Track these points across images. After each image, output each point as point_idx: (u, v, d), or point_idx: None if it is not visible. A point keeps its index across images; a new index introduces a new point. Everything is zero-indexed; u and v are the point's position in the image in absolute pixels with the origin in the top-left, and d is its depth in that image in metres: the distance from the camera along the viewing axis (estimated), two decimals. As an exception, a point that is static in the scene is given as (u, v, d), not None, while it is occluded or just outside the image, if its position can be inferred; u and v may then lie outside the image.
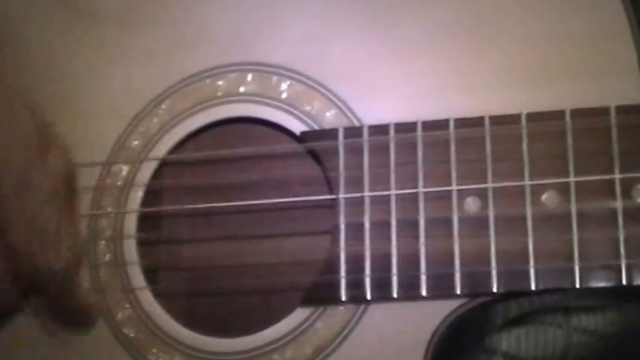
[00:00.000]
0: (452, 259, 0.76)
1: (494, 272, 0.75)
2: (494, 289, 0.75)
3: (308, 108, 0.82)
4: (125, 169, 0.86)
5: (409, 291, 0.77)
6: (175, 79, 0.85)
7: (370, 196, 0.79)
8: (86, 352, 0.85)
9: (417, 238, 0.77)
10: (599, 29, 0.77)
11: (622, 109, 0.74)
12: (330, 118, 0.82)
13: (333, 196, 0.80)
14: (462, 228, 0.76)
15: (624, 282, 0.73)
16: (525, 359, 0.84)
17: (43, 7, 0.89)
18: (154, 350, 0.84)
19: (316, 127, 0.82)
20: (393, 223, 0.78)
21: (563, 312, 0.84)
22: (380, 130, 0.79)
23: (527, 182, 0.75)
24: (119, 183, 0.86)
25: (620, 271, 0.73)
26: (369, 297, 0.78)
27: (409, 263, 0.77)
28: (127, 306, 0.85)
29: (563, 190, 0.75)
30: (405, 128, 0.79)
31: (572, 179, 0.75)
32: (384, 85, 0.81)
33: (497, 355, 0.84)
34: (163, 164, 0.87)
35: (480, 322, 0.81)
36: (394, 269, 0.77)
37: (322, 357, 0.80)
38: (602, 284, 0.74)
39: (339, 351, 0.79)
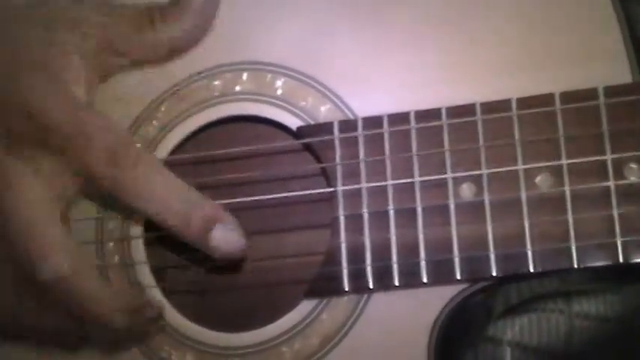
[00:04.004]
0: (450, 246, 0.77)
1: (492, 256, 0.76)
2: (494, 273, 0.76)
3: (303, 103, 0.84)
4: None
5: (410, 278, 0.78)
6: (172, 81, 0.86)
7: (367, 188, 0.80)
8: (98, 353, 0.86)
9: (415, 226, 0.78)
10: (585, 14, 0.78)
11: (610, 90, 0.75)
12: (324, 112, 0.83)
13: (332, 189, 0.81)
14: (458, 214, 0.77)
15: (621, 260, 0.74)
16: (530, 347, 0.84)
17: None
18: (167, 348, 0.85)
19: (312, 122, 0.83)
20: (391, 212, 0.79)
21: (564, 297, 0.85)
22: (374, 121, 0.80)
23: (520, 167, 0.76)
24: None
25: (617, 250, 0.74)
26: (371, 286, 0.79)
27: (409, 251, 0.78)
28: (138, 305, 0.86)
29: (556, 172, 0.75)
30: (399, 119, 0.80)
31: (564, 161, 0.75)
32: (376, 77, 0.82)
33: (504, 345, 0.85)
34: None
35: (482, 309, 0.82)
36: (394, 258, 0.78)
37: (329, 347, 0.81)
38: (599, 263, 0.74)
39: (345, 341, 0.80)
